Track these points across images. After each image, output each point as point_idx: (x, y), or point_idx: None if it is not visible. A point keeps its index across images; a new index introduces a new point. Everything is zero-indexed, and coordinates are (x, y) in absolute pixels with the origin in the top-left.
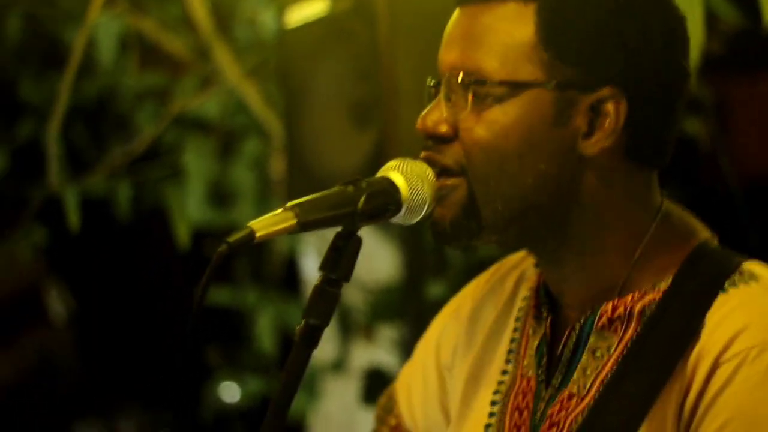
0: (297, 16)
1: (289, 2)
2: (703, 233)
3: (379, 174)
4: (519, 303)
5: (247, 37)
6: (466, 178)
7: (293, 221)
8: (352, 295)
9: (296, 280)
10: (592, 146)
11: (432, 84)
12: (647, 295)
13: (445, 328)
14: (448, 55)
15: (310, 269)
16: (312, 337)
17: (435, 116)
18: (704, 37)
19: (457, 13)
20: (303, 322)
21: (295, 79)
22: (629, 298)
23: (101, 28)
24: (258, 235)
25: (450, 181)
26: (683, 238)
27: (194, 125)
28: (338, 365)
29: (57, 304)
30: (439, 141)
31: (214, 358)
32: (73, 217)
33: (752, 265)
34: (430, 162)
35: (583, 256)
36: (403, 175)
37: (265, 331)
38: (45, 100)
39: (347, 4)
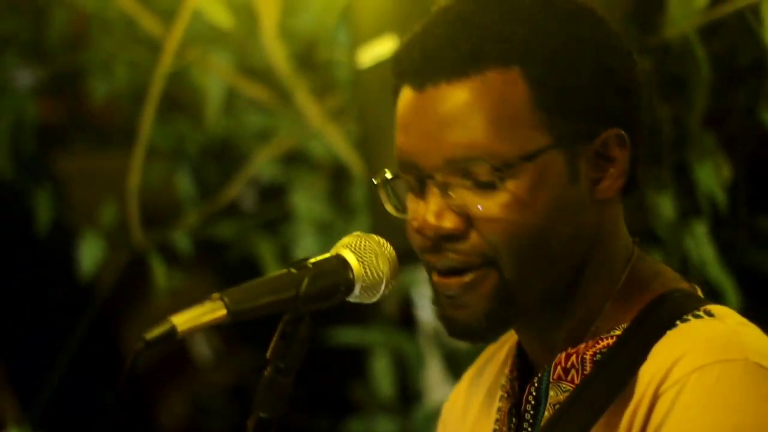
0: (369, 55)
1: (359, 42)
2: (674, 283)
3: (331, 252)
4: (506, 370)
5: (328, 79)
6: (495, 268)
7: (222, 312)
8: None
9: (412, 319)
10: (607, 191)
11: (413, 179)
12: (601, 342)
13: (448, 406)
14: (431, 144)
15: (426, 309)
16: (264, 431)
17: (434, 211)
18: None
19: (421, 97)
20: (253, 414)
21: (371, 117)
22: (582, 346)
23: (204, 79)
24: (180, 330)
25: (475, 274)
26: (650, 284)
27: (302, 164)
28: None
29: (202, 345)
30: (448, 240)
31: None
32: (160, 279)
33: (715, 307)
34: (446, 272)
35: (565, 308)
36: (356, 251)
37: (383, 371)
38: (171, 144)
39: None
